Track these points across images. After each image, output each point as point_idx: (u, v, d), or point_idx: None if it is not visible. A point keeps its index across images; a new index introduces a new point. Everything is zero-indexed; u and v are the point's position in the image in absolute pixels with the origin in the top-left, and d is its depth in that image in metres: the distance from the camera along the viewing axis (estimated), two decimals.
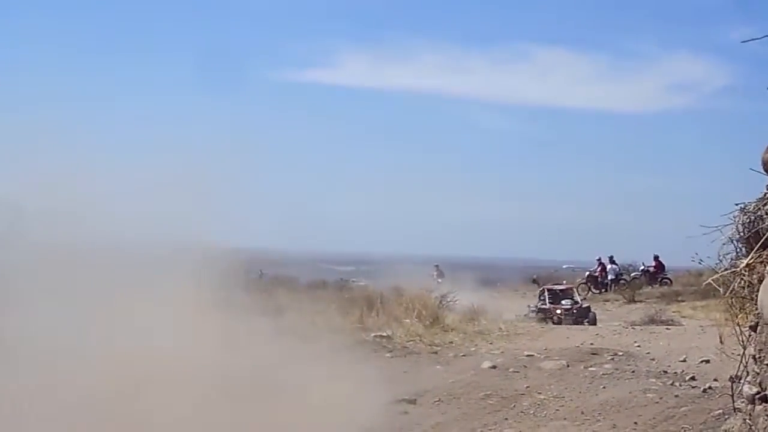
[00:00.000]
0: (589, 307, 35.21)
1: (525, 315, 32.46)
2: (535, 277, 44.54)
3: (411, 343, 17.63)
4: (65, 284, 11.84)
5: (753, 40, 3.99)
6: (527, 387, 12.89)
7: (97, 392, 10.45)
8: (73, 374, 11.29)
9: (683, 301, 34.19)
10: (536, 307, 34.72)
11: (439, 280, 34.63)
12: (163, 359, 12.19)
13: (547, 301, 35.43)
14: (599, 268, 41.79)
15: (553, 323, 32.14)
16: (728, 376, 4.83)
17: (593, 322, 32.31)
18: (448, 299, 24.80)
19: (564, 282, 39.47)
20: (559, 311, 34.10)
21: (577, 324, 31.28)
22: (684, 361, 15.01)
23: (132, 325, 12.41)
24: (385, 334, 17.80)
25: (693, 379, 13.43)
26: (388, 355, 16.17)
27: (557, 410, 11.30)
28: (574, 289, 37.58)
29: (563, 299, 35.54)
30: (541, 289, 37.46)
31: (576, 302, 35.25)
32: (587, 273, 43.38)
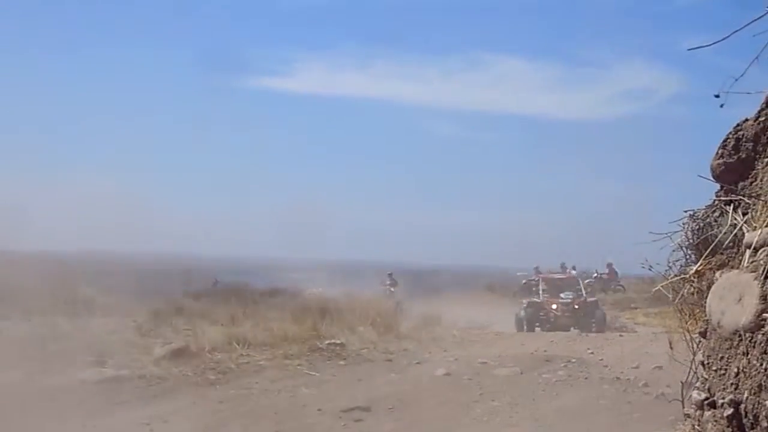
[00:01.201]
0: (596, 303, 31.73)
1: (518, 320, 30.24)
2: (524, 282, 39.02)
3: (365, 350, 17.62)
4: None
5: (700, 47, 4.01)
6: (481, 394, 12.92)
7: None
8: None
9: (636, 308, 34.41)
10: (525, 303, 31.49)
11: (392, 289, 34.58)
12: None
13: (541, 293, 32.27)
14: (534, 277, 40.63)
15: (546, 328, 29.58)
16: (679, 382, 4.84)
17: (601, 325, 29.25)
18: (402, 307, 24.83)
19: (568, 269, 36.72)
20: (555, 306, 30.90)
21: (580, 327, 28.80)
22: (637, 367, 15.13)
23: None
24: (338, 341, 17.76)
25: (646, 385, 13.55)
26: (341, 362, 16.13)
27: (511, 417, 11.34)
28: (580, 280, 33.71)
29: (563, 291, 32.15)
30: (533, 279, 34.77)
31: (580, 295, 31.53)
32: (523, 281, 40.30)
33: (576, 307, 30.93)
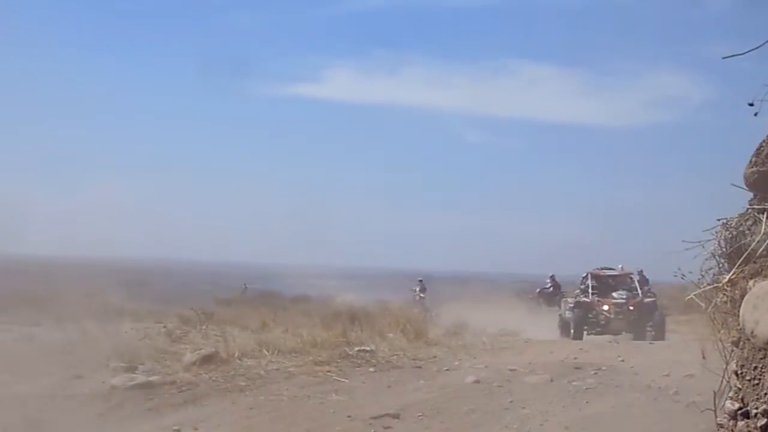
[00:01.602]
0: (654, 303, 27.83)
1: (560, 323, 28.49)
2: (539, 290, 37.78)
3: (394, 357, 17.59)
4: None
5: (734, 55, 3.99)
6: (511, 401, 12.88)
7: None
8: None
9: (667, 315, 34.09)
10: (572, 303, 28.34)
11: (422, 295, 34.52)
12: None
13: (590, 292, 28.43)
14: (550, 284, 39.71)
15: (596, 331, 27.30)
16: (712, 391, 4.83)
17: (661, 330, 26.61)
18: (431, 314, 24.81)
19: (621, 268, 30.87)
20: (606, 307, 27.47)
21: (635, 332, 26.74)
22: (668, 375, 15.01)
23: None
24: (368, 348, 17.76)
25: (677, 393, 13.43)
26: (371, 369, 16.11)
27: (541, 425, 11.29)
28: (634, 278, 29.48)
29: (616, 290, 28.39)
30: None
31: (635, 295, 27.78)
32: (538, 289, 38.81)
33: (631, 308, 27.54)
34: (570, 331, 27.71)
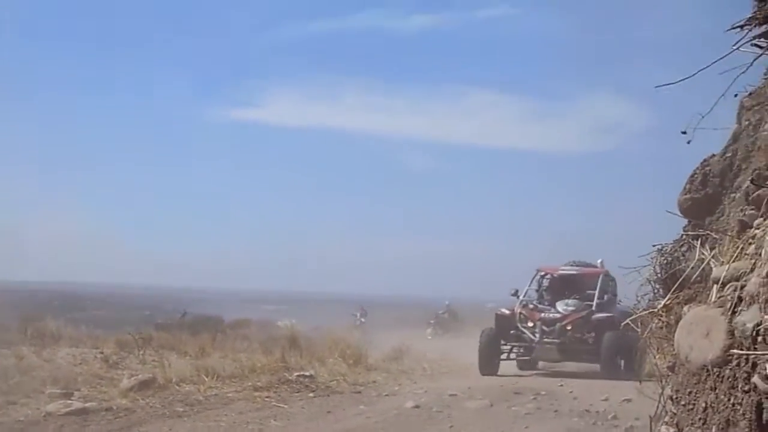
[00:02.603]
0: (611, 321, 19.47)
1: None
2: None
3: (334, 382, 17.53)
4: None
5: (668, 84, 4.04)
6: (451, 427, 12.86)
7: None
8: None
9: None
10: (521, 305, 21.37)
11: (362, 320, 34.44)
12: None
13: (520, 299, 21.64)
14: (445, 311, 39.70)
15: (521, 358, 21.25)
16: (648, 416, 4.86)
17: (612, 364, 19.22)
18: (371, 339, 24.79)
19: (600, 263, 22.87)
20: (531, 324, 20.75)
21: (574, 360, 20.89)
22: (606, 400, 15.12)
23: None
24: (308, 373, 17.68)
25: (615, 418, 13.53)
26: (311, 394, 16.02)
27: None
28: (605, 278, 21.75)
29: (571, 297, 21.61)
30: (539, 273, 22.83)
31: (585, 307, 20.95)
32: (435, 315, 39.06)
33: (567, 327, 20.51)
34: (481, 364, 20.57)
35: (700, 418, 3.84)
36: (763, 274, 3.56)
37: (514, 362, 21.68)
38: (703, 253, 4.35)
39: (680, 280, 4.48)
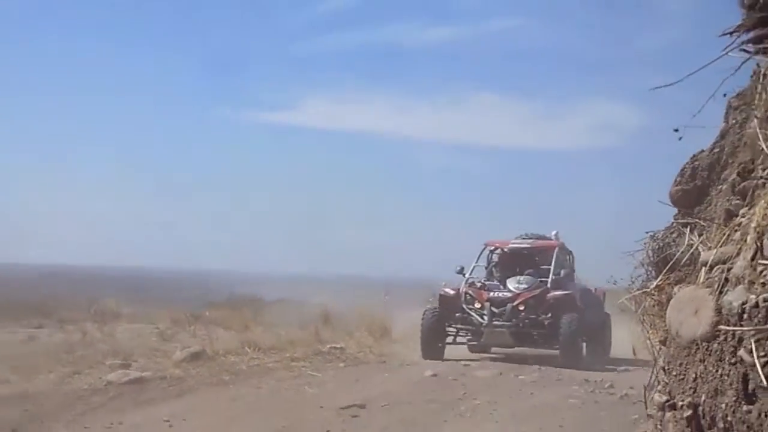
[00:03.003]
0: (570, 300, 16.74)
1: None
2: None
3: (361, 354, 17.54)
4: None
5: (662, 87, 3.97)
6: (464, 393, 12.82)
7: None
8: None
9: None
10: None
11: (387, 298, 34.45)
12: None
13: (466, 278, 17.87)
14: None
15: (469, 341, 17.67)
16: (642, 385, 4.79)
17: (573, 349, 16.02)
18: (394, 315, 24.78)
19: (555, 235, 18.96)
20: (479, 305, 16.89)
21: (529, 345, 16.96)
22: (604, 371, 15.10)
23: None
24: (338, 345, 17.70)
25: (611, 386, 13.48)
26: (341, 364, 16.04)
27: (491, 413, 11.23)
28: (561, 252, 18.38)
29: (520, 272, 17.67)
30: (488, 248, 18.78)
31: (540, 283, 17.06)
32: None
33: (520, 309, 16.57)
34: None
35: (690, 387, 3.78)
36: (748, 257, 3.50)
37: (463, 347, 18.02)
38: (692, 239, 4.29)
39: (671, 263, 4.41)
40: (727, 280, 3.59)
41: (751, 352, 3.23)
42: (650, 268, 4.67)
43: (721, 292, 3.57)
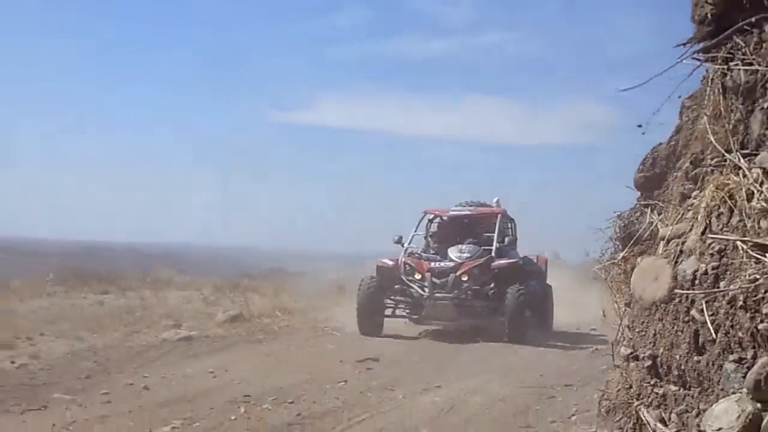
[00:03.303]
0: (518, 268, 14.17)
1: None
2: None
3: None
4: None
5: (627, 89, 3.98)
6: (458, 351, 12.84)
7: None
8: None
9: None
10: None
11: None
12: None
13: (406, 248, 14.78)
14: None
15: (408, 315, 14.44)
16: (610, 342, 4.82)
17: (520, 325, 13.15)
18: None
19: (496, 202, 15.93)
20: (419, 276, 14.00)
21: (473, 318, 13.86)
22: (578, 330, 15.06)
23: None
24: None
25: (583, 343, 13.49)
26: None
27: (480, 368, 11.26)
28: (504, 219, 15.31)
29: (462, 241, 14.66)
30: (427, 216, 15.64)
31: (484, 252, 14.21)
32: None
33: (463, 279, 13.78)
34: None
35: (650, 342, 3.81)
36: (699, 232, 3.52)
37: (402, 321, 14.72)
38: (652, 218, 4.31)
39: (635, 238, 4.44)
40: (681, 251, 3.62)
41: (701, 311, 3.26)
42: (617, 243, 4.69)
43: (676, 262, 3.59)
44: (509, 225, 15.64)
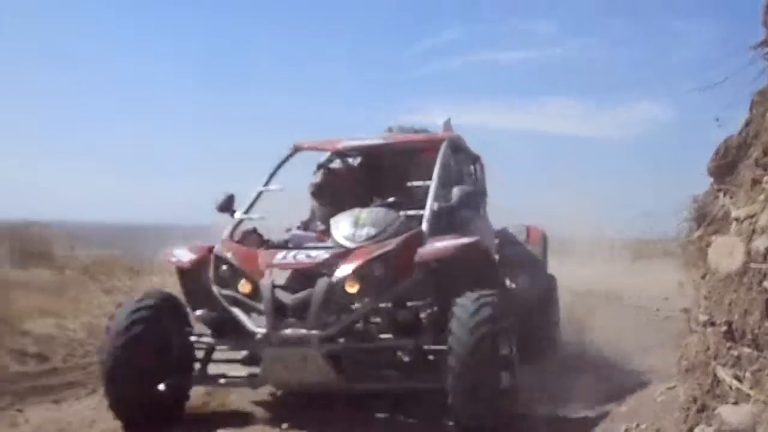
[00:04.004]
0: (481, 251, 5.72)
1: None
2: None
3: None
4: None
5: (694, 90, 4.24)
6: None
7: None
8: None
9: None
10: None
11: None
12: None
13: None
14: None
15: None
16: (684, 309, 5.03)
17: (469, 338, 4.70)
18: None
19: (447, 123, 7.43)
20: (248, 288, 5.30)
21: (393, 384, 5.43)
22: (667, 299, 14.74)
23: None
24: None
25: (658, 310, 13.38)
26: None
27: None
28: (457, 154, 7.02)
29: (366, 202, 6.28)
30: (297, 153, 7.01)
31: (410, 219, 5.72)
32: None
33: (348, 289, 5.14)
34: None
35: (725, 309, 4.01)
36: None
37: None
38: (724, 201, 4.49)
39: (709, 219, 4.63)
40: (753, 230, 3.81)
41: None
42: (693, 223, 4.88)
43: (749, 239, 3.79)
44: (468, 167, 7.83)
